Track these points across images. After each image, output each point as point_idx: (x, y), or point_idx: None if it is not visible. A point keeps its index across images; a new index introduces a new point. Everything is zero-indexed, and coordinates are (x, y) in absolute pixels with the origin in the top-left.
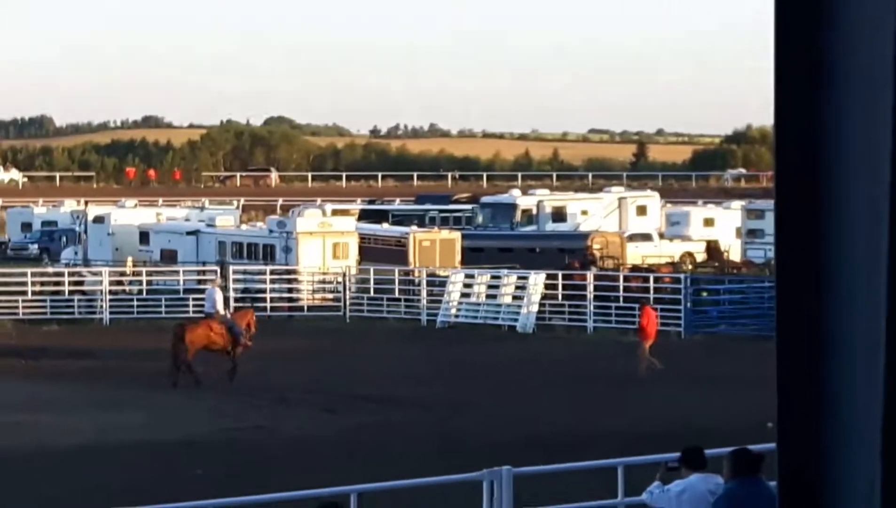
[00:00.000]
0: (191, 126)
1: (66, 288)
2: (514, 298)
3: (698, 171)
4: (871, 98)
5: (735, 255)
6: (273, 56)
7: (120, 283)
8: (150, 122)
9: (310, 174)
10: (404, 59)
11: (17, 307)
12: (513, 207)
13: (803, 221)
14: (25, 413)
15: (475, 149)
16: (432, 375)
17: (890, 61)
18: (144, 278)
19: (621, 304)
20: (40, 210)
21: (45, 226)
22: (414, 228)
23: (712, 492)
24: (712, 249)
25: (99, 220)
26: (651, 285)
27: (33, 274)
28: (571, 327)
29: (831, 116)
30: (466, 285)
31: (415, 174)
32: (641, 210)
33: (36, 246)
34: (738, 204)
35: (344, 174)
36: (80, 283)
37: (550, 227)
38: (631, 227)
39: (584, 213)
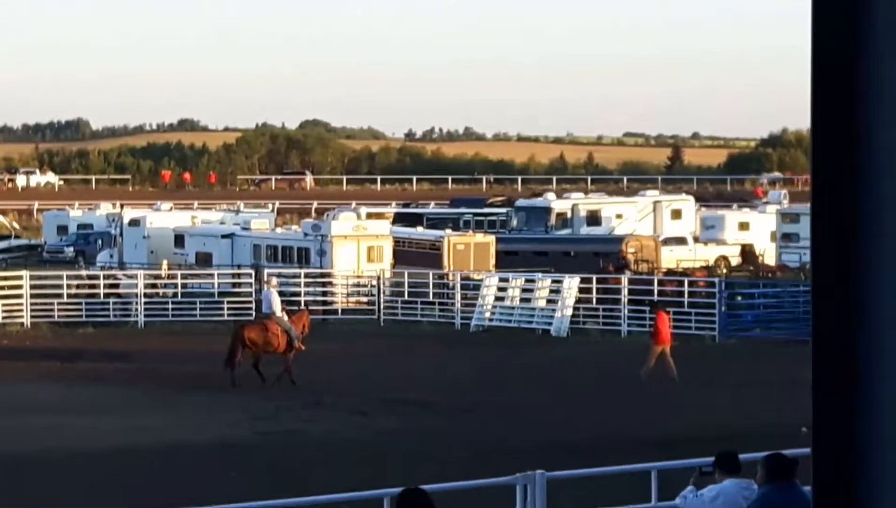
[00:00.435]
0: (226, 129)
1: (102, 291)
2: (549, 301)
3: (733, 174)
4: None
5: (770, 259)
6: (308, 59)
7: (155, 286)
8: (185, 125)
9: (345, 177)
10: (439, 64)
11: (52, 310)
12: (547, 210)
13: (839, 225)
14: (61, 416)
15: (510, 152)
16: (466, 378)
17: None
18: (179, 281)
19: None
20: (76, 213)
21: (80, 229)
22: (448, 231)
23: (746, 498)
24: (747, 253)
25: (134, 223)
26: (686, 288)
27: (69, 277)
28: (605, 330)
29: (868, 120)
30: (501, 289)
31: (449, 178)
32: (676, 214)
33: (72, 249)
34: (773, 208)
35: (378, 177)
36: (116, 286)
37: (585, 230)
38: (666, 231)
39: (619, 216)
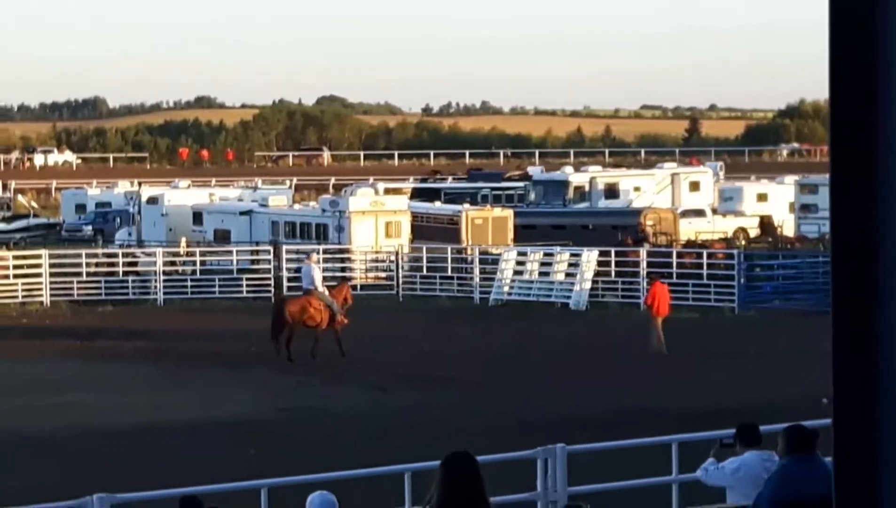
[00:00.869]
0: (243, 106)
1: (121, 269)
2: (567, 275)
3: (751, 146)
4: None
5: (789, 230)
6: (324, 35)
7: (174, 263)
8: (202, 102)
9: (362, 153)
10: (455, 38)
11: (72, 289)
12: (565, 184)
13: (859, 194)
14: (80, 393)
15: (527, 126)
16: (485, 353)
17: None
18: (198, 259)
19: (674, 280)
20: (94, 192)
21: (99, 207)
22: (466, 205)
23: (767, 469)
24: (766, 224)
25: (152, 201)
26: (704, 260)
27: (88, 255)
28: (624, 303)
29: (888, 90)
30: (519, 263)
31: (467, 152)
32: (694, 186)
33: (90, 227)
34: (791, 179)
35: (396, 153)
36: (135, 264)
37: (603, 203)
38: (684, 203)
39: (637, 189)
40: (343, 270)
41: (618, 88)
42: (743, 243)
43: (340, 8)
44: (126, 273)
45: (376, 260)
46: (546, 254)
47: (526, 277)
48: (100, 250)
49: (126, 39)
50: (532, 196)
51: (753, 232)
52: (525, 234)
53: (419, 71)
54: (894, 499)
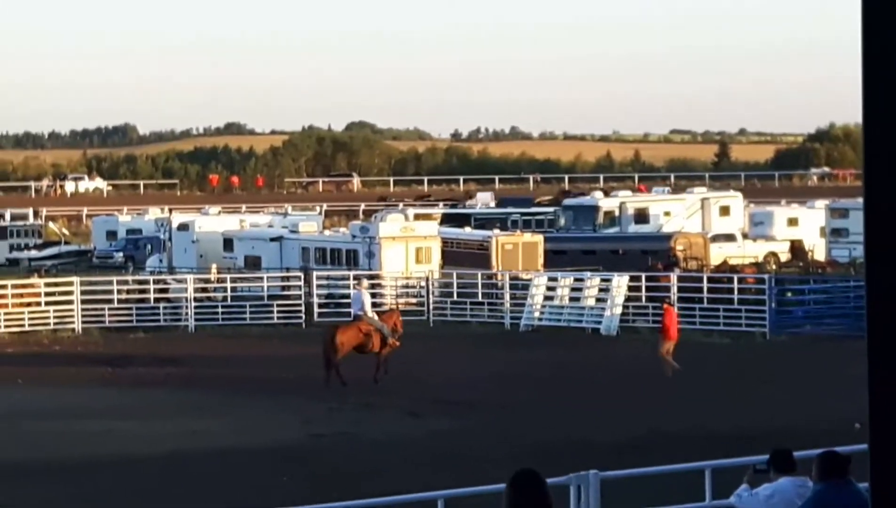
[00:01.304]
0: (273, 132)
1: (152, 296)
2: (598, 300)
3: (781, 170)
4: None
5: (819, 254)
6: (353, 61)
7: (205, 290)
8: (232, 129)
9: (391, 179)
10: (485, 63)
11: (103, 315)
12: (595, 209)
13: (893, 216)
14: (112, 420)
15: (556, 151)
16: (516, 378)
17: None
18: (229, 285)
19: (705, 305)
20: (125, 218)
21: (129, 234)
22: (496, 231)
23: (801, 496)
24: (796, 248)
25: (183, 227)
26: (735, 285)
27: (119, 282)
28: (655, 328)
29: None
30: (549, 288)
31: (496, 177)
32: (724, 210)
33: (121, 254)
34: (822, 203)
35: (425, 178)
36: (165, 290)
37: (633, 228)
38: (714, 227)
39: (667, 214)
40: (373, 296)
41: (647, 113)
42: (774, 267)
43: (369, 34)
44: (157, 300)
45: (407, 286)
46: (576, 279)
47: (556, 302)
48: (131, 277)
49: (156, 67)
50: (562, 221)
51: (784, 257)
52: (555, 259)
53: (448, 96)
54: None
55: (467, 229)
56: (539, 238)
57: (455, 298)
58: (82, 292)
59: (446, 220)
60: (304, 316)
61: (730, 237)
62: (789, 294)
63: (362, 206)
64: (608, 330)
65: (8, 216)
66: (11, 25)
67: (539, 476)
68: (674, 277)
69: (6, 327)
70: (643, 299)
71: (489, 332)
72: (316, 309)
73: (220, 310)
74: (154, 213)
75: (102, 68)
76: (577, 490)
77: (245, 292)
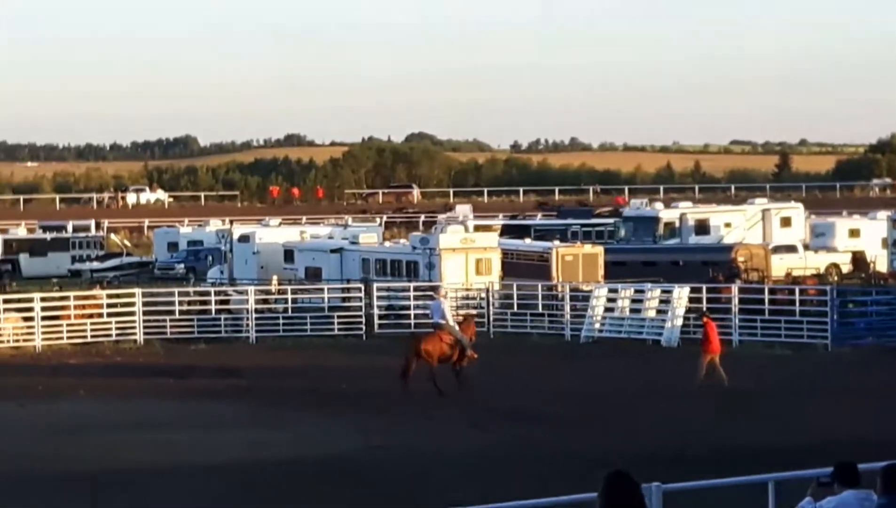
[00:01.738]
0: (333, 144)
1: (213, 307)
2: (658, 312)
3: (842, 181)
4: None
5: (881, 265)
6: (412, 72)
7: (266, 301)
8: (292, 140)
9: (451, 190)
10: (544, 75)
11: (164, 327)
12: (655, 220)
13: None
14: (174, 431)
15: (616, 162)
16: (577, 390)
17: None
18: (290, 296)
19: (767, 317)
20: (186, 230)
21: (190, 245)
22: (556, 242)
23: None
24: (858, 260)
25: (244, 239)
26: (797, 297)
27: (180, 293)
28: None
29: None
30: (610, 300)
31: (556, 189)
32: (786, 222)
33: (182, 265)
34: (883, 214)
35: (485, 189)
36: (227, 302)
37: (694, 240)
38: (775, 239)
39: (728, 225)
40: None
41: (707, 124)
42: (835, 279)
43: (428, 47)
44: (218, 311)
45: (467, 297)
46: (637, 291)
47: (617, 314)
48: (192, 289)
49: (217, 79)
50: (622, 233)
51: (846, 268)
52: (615, 270)
53: (508, 107)
54: None
55: (527, 241)
56: (599, 249)
57: (515, 309)
58: (144, 304)
59: (506, 231)
60: (364, 328)
61: (791, 249)
62: (851, 306)
63: (422, 217)
64: (669, 342)
65: (70, 228)
66: (74, 40)
67: (632, 477)
68: (735, 288)
69: (68, 338)
70: (704, 310)
71: (549, 344)
72: (376, 320)
73: (280, 321)
74: (215, 224)
75: (163, 81)
76: None
77: (305, 304)
